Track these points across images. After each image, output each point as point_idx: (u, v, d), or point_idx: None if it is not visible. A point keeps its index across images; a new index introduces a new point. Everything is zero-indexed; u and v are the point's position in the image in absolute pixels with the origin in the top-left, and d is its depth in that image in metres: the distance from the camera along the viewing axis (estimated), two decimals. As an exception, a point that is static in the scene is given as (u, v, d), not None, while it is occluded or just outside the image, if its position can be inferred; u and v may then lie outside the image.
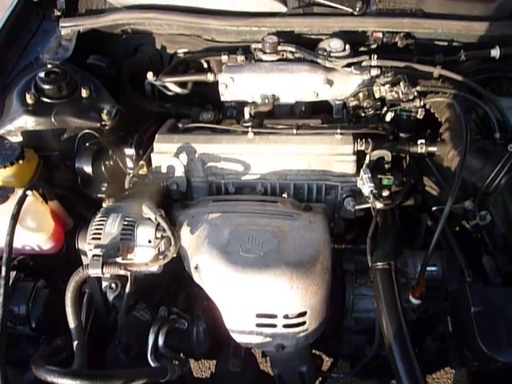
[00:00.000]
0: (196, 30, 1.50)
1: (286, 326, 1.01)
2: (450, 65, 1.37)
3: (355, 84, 1.35)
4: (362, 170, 1.16)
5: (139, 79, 1.50)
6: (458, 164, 1.16)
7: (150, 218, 1.07)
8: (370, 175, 1.14)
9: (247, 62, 1.40)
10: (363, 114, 1.33)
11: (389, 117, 1.30)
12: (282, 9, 1.47)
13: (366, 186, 1.13)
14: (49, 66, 1.34)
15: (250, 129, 1.24)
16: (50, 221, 1.18)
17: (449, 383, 1.83)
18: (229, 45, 1.49)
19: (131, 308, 1.14)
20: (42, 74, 1.30)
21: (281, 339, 1.04)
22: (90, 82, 1.36)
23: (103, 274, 1.00)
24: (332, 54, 1.35)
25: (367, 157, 1.20)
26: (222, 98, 1.42)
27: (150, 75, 1.43)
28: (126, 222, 1.07)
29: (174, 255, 1.06)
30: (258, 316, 1.01)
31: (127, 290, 1.06)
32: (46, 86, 1.29)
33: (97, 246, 1.05)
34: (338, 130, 1.22)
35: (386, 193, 1.15)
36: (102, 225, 1.07)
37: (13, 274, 1.13)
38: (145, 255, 1.06)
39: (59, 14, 1.55)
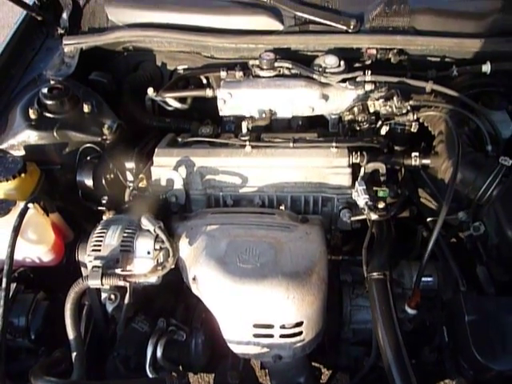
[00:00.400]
0: (195, 47, 1.53)
1: (282, 336, 1.02)
2: (442, 80, 1.40)
3: (350, 99, 1.38)
4: (357, 182, 1.18)
5: (140, 95, 1.53)
6: (450, 176, 1.18)
7: (149, 230, 1.08)
8: (364, 187, 1.16)
9: (245, 77, 1.43)
10: (358, 128, 1.36)
11: (384, 130, 1.33)
12: (279, 27, 1.51)
13: (360, 198, 1.15)
14: (52, 82, 1.38)
15: (247, 142, 1.27)
16: (51, 233, 1.20)
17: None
18: (227, 61, 1.53)
19: (130, 320, 1.15)
20: (45, 90, 1.33)
21: (278, 349, 1.04)
22: (91, 98, 1.39)
23: (103, 284, 1.01)
24: (327, 70, 1.38)
25: (362, 169, 1.22)
26: (221, 113, 1.44)
27: (150, 91, 1.46)
28: (125, 234, 1.09)
29: (173, 266, 1.08)
30: (255, 326, 1.02)
31: (126, 301, 1.07)
32: (49, 102, 1.32)
33: (97, 258, 1.06)
34: (334, 144, 1.25)
35: (381, 205, 1.16)
36: (102, 236, 1.09)
37: (13, 286, 1.14)
38: (144, 266, 1.07)
39: (62, 32, 1.60)
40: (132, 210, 1.19)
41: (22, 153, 1.31)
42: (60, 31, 1.60)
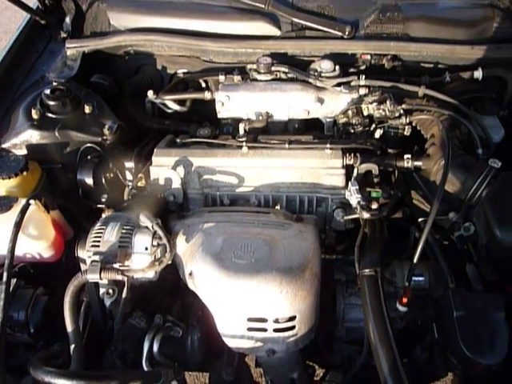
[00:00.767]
0: (195, 51, 1.56)
1: (276, 330, 1.04)
2: (435, 86, 1.44)
3: (345, 102, 1.41)
4: (350, 182, 1.21)
5: (140, 97, 1.56)
6: (441, 177, 1.20)
7: (147, 227, 1.11)
8: (357, 187, 1.18)
9: (243, 81, 1.46)
10: (352, 131, 1.39)
11: (378, 134, 1.36)
12: (276, 32, 1.54)
13: (353, 198, 1.17)
14: (54, 83, 1.40)
15: (244, 143, 1.30)
16: (51, 229, 1.22)
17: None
18: (226, 65, 1.56)
19: (127, 316, 1.16)
20: (47, 91, 1.36)
21: (271, 344, 1.06)
22: (93, 99, 1.41)
23: (101, 278, 1.03)
24: (323, 75, 1.41)
25: (355, 170, 1.25)
26: (219, 115, 1.47)
27: (150, 93, 1.49)
28: (124, 231, 1.11)
29: (170, 262, 1.10)
30: (250, 320, 1.04)
31: (124, 295, 1.08)
32: (51, 102, 1.34)
33: (95, 253, 1.08)
34: (328, 145, 1.28)
35: (374, 205, 1.19)
36: (101, 233, 1.11)
37: (13, 281, 1.16)
38: (141, 262, 1.09)
39: (65, 35, 1.63)
40: (131, 209, 1.21)
41: (24, 152, 1.34)
42: (63, 35, 1.63)
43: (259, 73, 1.45)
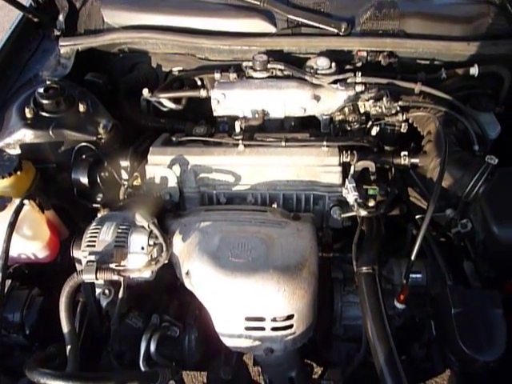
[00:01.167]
0: (190, 49, 1.54)
1: (274, 328, 1.04)
2: (431, 82, 1.43)
3: (341, 99, 1.40)
4: (346, 180, 1.20)
5: (135, 96, 1.54)
6: (438, 174, 1.20)
7: (143, 226, 1.10)
8: (354, 184, 1.18)
9: (238, 79, 1.45)
10: (349, 128, 1.38)
11: (374, 131, 1.35)
12: (272, 29, 1.53)
13: (350, 195, 1.17)
14: (48, 82, 1.39)
15: (240, 141, 1.29)
16: (46, 230, 1.21)
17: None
18: (221, 63, 1.54)
19: (124, 316, 1.16)
20: (41, 90, 1.34)
21: (269, 342, 1.06)
22: (87, 98, 1.39)
23: (97, 279, 1.02)
24: (319, 72, 1.40)
25: (352, 167, 1.25)
26: (215, 113, 1.46)
27: (145, 91, 1.47)
28: (119, 230, 1.10)
29: (166, 261, 1.09)
30: (247, 319, 1.03)
31: (120, 296, 1.07)
32: (45, 101, 1.33)
33: (91, 253, 1.07)
34: (325, 143, 1.27)
35: (371, 203, 1.19)
36: (97, 232, 1.10)
37: (8, 282, 1.15)
38: (138, 261, 1.08)
39: (59, 33, 1.60)
40: (126, 208, 1.20)
41: (17, 151, 1.32)
42: (56, 33, 1.61)
43: (255, 70, 1.44)
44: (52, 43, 1.60)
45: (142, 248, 1.08)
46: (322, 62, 1.41)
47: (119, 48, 1.58)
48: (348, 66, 1.48)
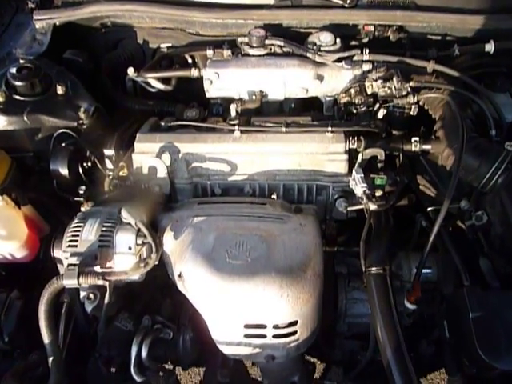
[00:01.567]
0: (179, 23, 1.46)
1: (276, 336, 0.97)
2: (443, 59, 1.34)
3: (346, 79, 1.32)
4: (354, 170, 1.12)
5: (120, 75, 1.46)
6: (453, 163, 1.12)
7: (130, 223, 1.00)
8: (362, 175, 1.10)
9: (233, 56, 1.37)
10: (355, 111, 1.29)
11: (381, 113, 1.26)
12: (270, 1, 1.43)
13: (358, 187, 1.09)
14: (21, 61, 1.29)
15: (236, 127, 1.21)
16: (24, 227, 1.13)
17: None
18: (214, 39, 1.46)
19: (112, 318, 1.09)
20: (13, 70, 1.25)
21: (271, 350, 1.00)
22: (66, 78, 1.31)
23: (79, 284, 0.96)
24: (322, 48, 1.32)
25: (360, 156, 1.16)
26: (207, 95, 1.38)
27: (130, 71, 1.38)
28: (104, 228, 1.03)
29: (156, 263, 1.01)
30: (247, 327, 0.97)
31: (106, 300, 0.99)
32: (18, 83, 1.24)
33: (73, 254, 1.00)
34: (329, 128, 1.19)
35: (378, 193, 1.11)
36: (79, 231, 1.03)
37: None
38: (125, 263, 1.00)
39: (33, 6, 1.50)
40: (112, 202, 1.12)
41: (-12, 139, 1.23)
42: (31, 5, 1.50)
43: (251, 47, 1.35)
44: (26, 17, 1.50)
45: (130, 248, 1.00)
46: (326, 38, 1.33)
47: (101, 22, 1.49)
48: (354, 42, 1.40)
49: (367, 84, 1.27)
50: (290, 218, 1.10)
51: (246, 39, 1.36)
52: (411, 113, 1.25)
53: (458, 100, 1.20)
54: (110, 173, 1.21)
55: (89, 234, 1.01)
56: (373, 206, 1.06)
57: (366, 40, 1.39)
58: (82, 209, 1.12)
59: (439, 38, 1.43)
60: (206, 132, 1.25)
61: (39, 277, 1.11)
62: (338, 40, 1.33)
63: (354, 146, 1.18)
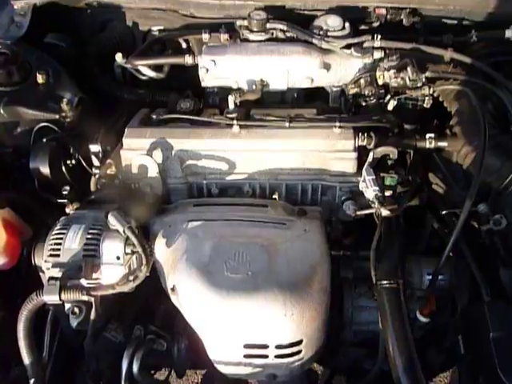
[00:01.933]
0: (172, 3, 1.39)
1: (278, 356, 0.91)
2: (459, 46, 1.25)
3: (355, 68, 1.24)
4: (364, 171, 1.04)
5: (107, 61, 1.38)
6: (473, 162, 1.05)
7: (118, 230, 0.92)
8: (373, 177, 1.02)
9: (231, 41, 1.30)
10: (364, 103, 1.21)
11: (391, 105, 1.18)
12: (272, -21, 1.35)
13: (370, 190, 1.01)
14: (-3, 46, 1.20)
15: (235, 121, 1.14)
16: (1, 232, 1.04)
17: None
18: (210, 21, 1.39)
19: (101, 329, 1.03)
20: (-13, 56, 1.17)
21: (273, 369, 0.95)
22: (47, 66, 1.25)
23: (61, 300, 0.88)
24: (329, 34, 1.25)
25: (370, 154, 1.08)
26: (203, 84, 1.30)
27: (119, 57, 1.30)
28: (89, 236, 0.95)
29: (147, 274, 0.93)
30: (247, 347, 0.91)
31: (93, 316, 0.91)
32: (-7, 71, 1.16)
33: (55, 265, 0.93)
34: (337, 123, 1.11)
35: (388, 193, 1.05)
36: (61, 239, 0.95)
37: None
38: (113, 274, 0.93)
39: None
40: (99, 204, 1.05)
41: (-39, 133, 1.16)
42: None
43: (251, 31, 1.28)
44: (3, -4, 1.41)
45: (118, 258, 0.94)
46: (334, 22, 1.26)
47: (86, 2, 1.41)
48: (364, 27, 1.31)
49: (378, 74, 1.19)
50: (293, 222, 1.04)
51: (245, 22, 1.29)
52: (424, 105, 1.17)
53: (479, 92, 1.12)
54: (97, 171, 1.14)
55: (72, 242, 0.94)
56: (385, 212, 0.99)
57: (377, 24, 1.31)
58: (67, 210, 1.04)
59: (455, 22, 1.34)
60: (201, 126, 1.17)
61: (23, 283, 1.05)
62: (347, 24, 1.26)
63: (364, 143, 1.11)
